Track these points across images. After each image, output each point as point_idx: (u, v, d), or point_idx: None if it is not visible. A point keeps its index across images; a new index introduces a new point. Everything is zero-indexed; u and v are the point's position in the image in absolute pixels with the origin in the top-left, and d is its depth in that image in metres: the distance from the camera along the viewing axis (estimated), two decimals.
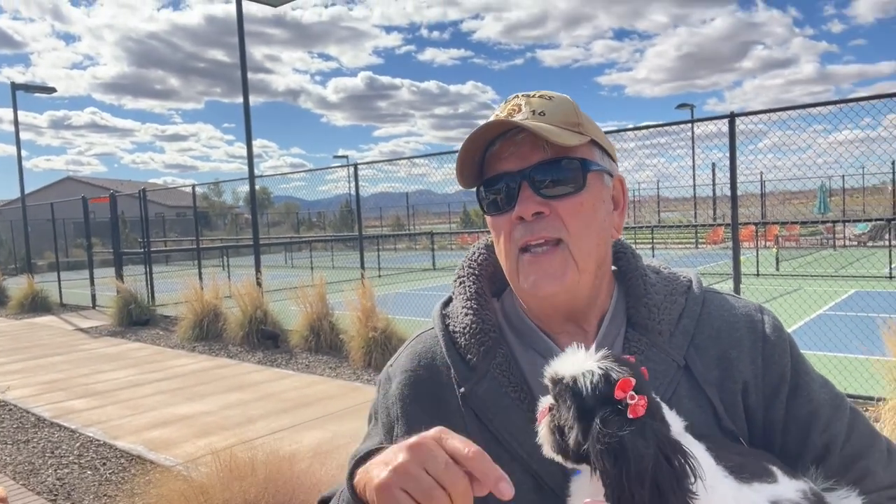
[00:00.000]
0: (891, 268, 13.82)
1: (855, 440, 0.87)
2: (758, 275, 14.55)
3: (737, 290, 5.79)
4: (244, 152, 10.66)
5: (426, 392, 0.94)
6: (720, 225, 15.97)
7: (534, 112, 0.87)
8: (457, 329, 0.95)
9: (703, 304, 0.93)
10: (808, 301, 10.16)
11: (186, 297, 10.35)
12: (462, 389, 0.90)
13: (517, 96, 0.91)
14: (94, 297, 14.81)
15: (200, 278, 11.69)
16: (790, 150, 6.47)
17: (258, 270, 10.05)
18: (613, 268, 0.98)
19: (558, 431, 0.71)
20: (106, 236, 21.18)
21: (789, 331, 0.96)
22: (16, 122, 17.90)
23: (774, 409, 0.88)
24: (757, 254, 15.70)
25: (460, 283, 1.00)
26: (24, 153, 18.47)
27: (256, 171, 10.75)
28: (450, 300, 1.02)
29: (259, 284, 9.70)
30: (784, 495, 0.76)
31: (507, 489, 0.65)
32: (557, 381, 0.72)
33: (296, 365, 7.98)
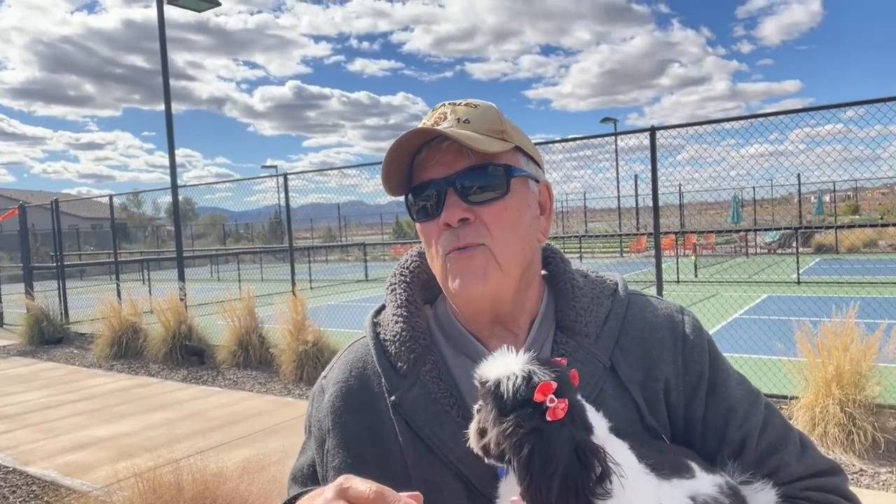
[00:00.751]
0: (798, 274, 14.74)
1: (770, 434, 0.91)
2: (678, 281, 15.20)
3: (659, 295, 6.02)
4: (165, 161, 10.30)
5: (358, 402, 0.93)
6: (643, 234, 16.61)
7: (458, 120, 0.89)
8: (387, 337, 0.96)
9: (627, 307, 0.96)
10: (725, 306, 10.69)
11: (103, 314, 9.85)
12: (392, 398, 0.90)
13: (443, 105, 0.93)
14: (0, 314, 13.85)
15: (119, 293, 11.15)
16: (706, 163, 6.81)
17: (182, 284, 9.67)
18: (543, 272, 1.00)
19: (481, 432, 0.73)
20: (14, 250, 19.89)
21: (710, 333, 1.01)
22: None
23: (694, 406, 0.91)
24: (677, 261, 16.40)
25: (391, 291, 1.00)
26: None
27: (179, 181, 10.37)
28: (382, 308, 1.02)
29: (183, 299, 9.34)
30: (701, 490, 0.79)
31: None
32: (483, 384, 0.74)
33: (223, 381, 7.71)
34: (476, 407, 0.76)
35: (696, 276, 16.26)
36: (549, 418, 0.68)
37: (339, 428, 0.92)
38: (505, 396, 0.70)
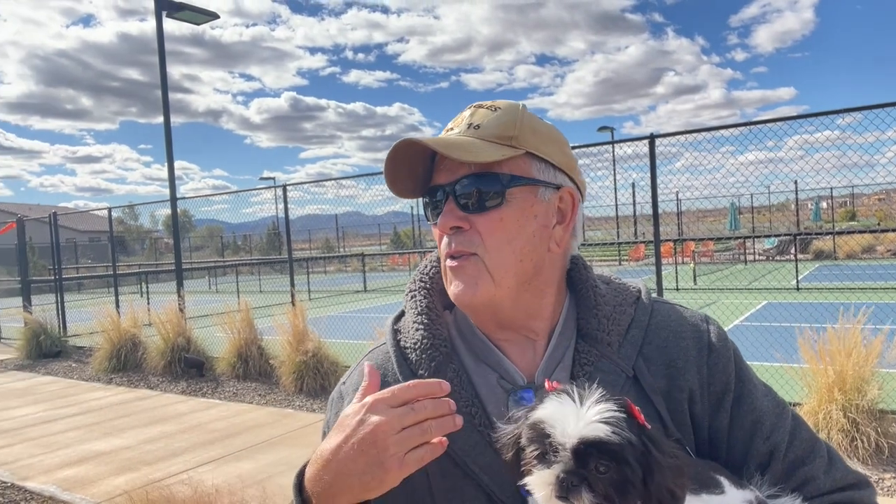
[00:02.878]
0: (797, 280, 14.74)
1: (797, 447, 0.89)
2: (677, 289, 15.18)
3: None
4: (162, 174, 10.32)
5: None
6: (642, 242, 16.63)
7: (470, 125, 0.89)
8: (408, 344, 0.95)
9: (651, 315, 0.95)
10: (725, 313, 10.68)
11: (102, 327, 9.80)
12: None
13: (471, 106, 0.94)
14: None
15: (117, 306, 11.11)
16: (703, 171, 6.84)
17: (180, 296, 9.64)
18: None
19: (610, 496, 0.68)
20: (12, 264, 19.83)
21: None
22: None
23: (719, 418, 0.90)
24: (676, 269, 16.40)
25: (412, 298, 0.99)
26: None
27: (178, 194, 10.37)
28: (402, 314, 1.01)
29: (181, 311, 9.31)
30: None
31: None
32: (585, 444, 0.68)
33: (223, 393, 7.67)
34: (558, 476, 0.69)
35: (695, 283, 16.25)
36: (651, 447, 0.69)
37: None
38: (628, 441, 0.68)
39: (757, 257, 23.19)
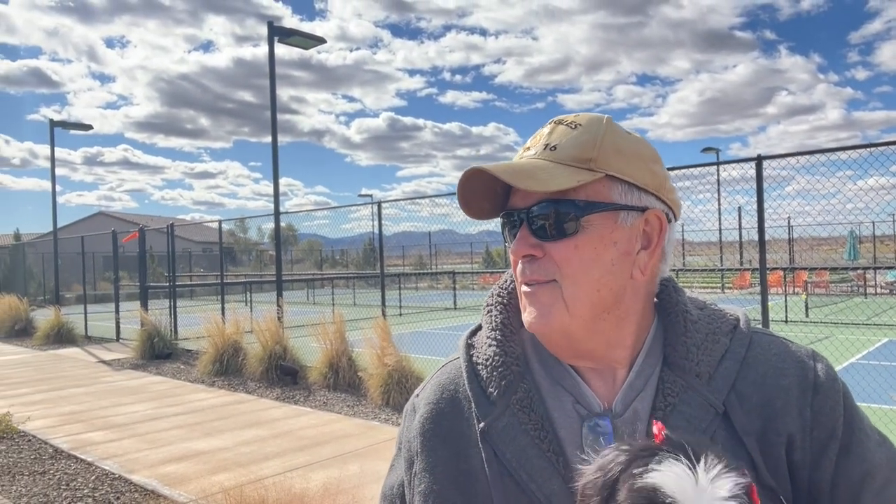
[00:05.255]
0: None
1: None
2: (786, 321, 14.22)
3: None
4: (270, 190, 10.86)
5: (447, 426, 0.90)
6: (747, 269, 15.73)
7: (546, 146, 0.85)
8: (480, 360, 0.92)
9: (749, 347, 0.86)
10: (840, 349, 9.86)
11: (208, 332, 10.40)
12: (481, 425, 0.86)
13: (551, 122, 0.89)
14: (118, 329, 14.97)
15: (223, 313, 11.76)
16: (818, 196, 6.37)
17: (279, 306, 10.08)
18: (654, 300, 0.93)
19: None
20: (133, 270, 21.55)
21: None
22: (52, 159, 18.49)
23: (822, 468, 0.80)
24: (786, 300, 15.36)
25: (488, 313, 0.96)
26: (58, 188, 19.04)
27: (282, 209, 10.90)
28: (479, 328, 0.98)
29: (280, 320, 9.72)
30: None
31: None
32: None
33: (314, 402, 7.91)
34: None
35: (806, 316, 15.15)
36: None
37: (427, 452, 0.90)
38: None
39: (878, 290, 21.33)
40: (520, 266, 0.86)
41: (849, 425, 0.82)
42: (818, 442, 0.80)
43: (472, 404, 0.89)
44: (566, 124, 0.87)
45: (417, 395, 0.98)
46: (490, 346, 0.91)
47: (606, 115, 0.89)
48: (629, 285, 0.85)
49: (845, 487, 0.79)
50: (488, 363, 0.90)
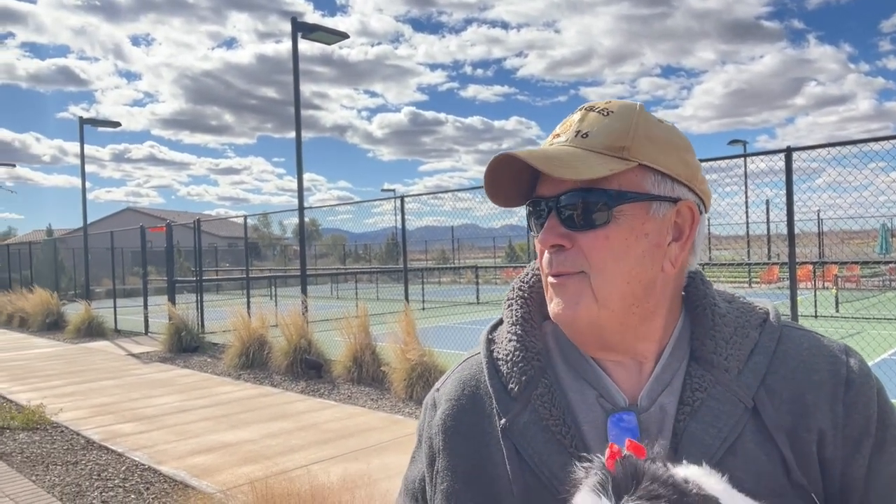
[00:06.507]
0: None
1: None
2: (816, 316, 13.95)
3: None
4: (294, 185, 10.95)
5: (468, 423, 0.90)
6: (775, 264, 15.47)
7: (578, 133, 0.83)
8: (500, 356, 0.91)
9: (779, 341, 0.84)
10: (871, 344, 9.65)
11: (234, 326, 10.53)
12: (503, 421, 0.85)
13: (582, 108, 0.86)
14: (147, 323, 15.24)
15: (248, 307, 11.90)
16: (849, 188, 6.22)
17: (304, 300, 10.17)
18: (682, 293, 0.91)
19: None
20: (161, 265, 21.90)
21: None
22: (82, 156, 18.84)
23: (855, 465, 0.78)
24: (815, 294, 15.06)
25: (508, 307, 0.95)
26: (87, 185, 19.39)
27: (305, 204, 10.97)
28: (500, 323, 0.97)
29: (305, 314, 9.81)
30: None
31: None
32: None
33: (338, 395, 7.98)
34: None
35: (836, 310, 14.85)
36: None
37: (448, 450, 0.89)
38: None
39: None
40: (546, 256, 0.84)
41: (882, 422, 0.79)
42: (850, 439, 0.78)
43: (493, 400, 0.88)
44: (598, 111, 0.84)
45: (437, 389, 0.98)
46: (510, 340, 0.90)
47: (639, 103, 0.87)
48: (659, 278, 0.84)
49: (878, 485, 0.77)
50: (508, 358, 0.89)
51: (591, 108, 0.85)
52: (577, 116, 0.85)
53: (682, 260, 0.85)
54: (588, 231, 0.81)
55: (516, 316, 0.93)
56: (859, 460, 0.78)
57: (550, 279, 0.84)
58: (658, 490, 0.58)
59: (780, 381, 0.81)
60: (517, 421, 0.84)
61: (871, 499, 0.77)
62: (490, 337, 0.95)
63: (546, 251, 0.84)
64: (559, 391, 0.86)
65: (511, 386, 0.87)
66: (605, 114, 0.83)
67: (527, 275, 0.97)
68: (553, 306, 0.84)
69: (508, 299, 0.96)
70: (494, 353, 0.92)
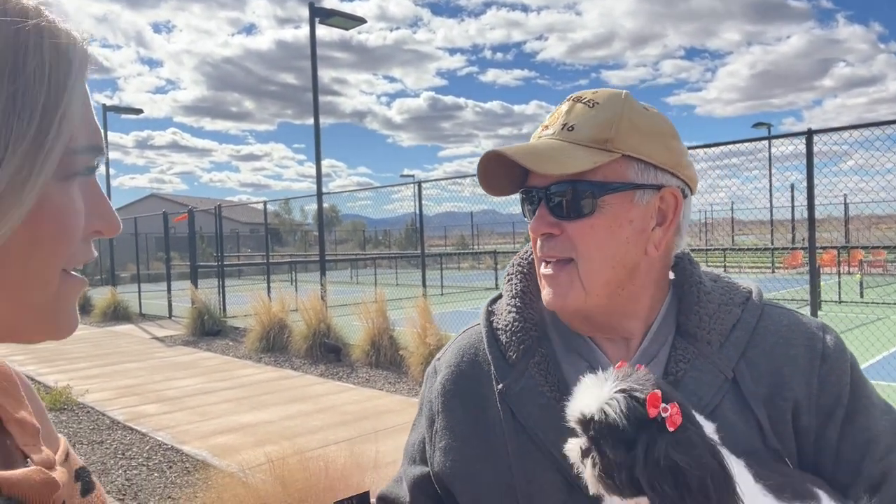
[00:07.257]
0: None
1: None
2: (839, 302, 13.75)
3: (814, 315, 5.48)
4: (314, 171, 10.99)
5: (467, 387, 0.96)
6: (798, 249, 15.23)
7: (564, 126, 0.86)
8: (500, 326, 0.97)
9: (760, 318, 0.89)
10: (894, 329, 9.50)
11: (255, 310, 10.68)
12: (500, 386, 0.91)
13: (569, 99, 0.89)
14: (170, 307, 15.50)
15: (269, 292, 12.05)
16: (876, 172, 6.11)
17: (323, 285, 10.27)
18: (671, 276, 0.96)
19: (606, 474, 0.68)
20: (184, 250, 22.22)
21: (874, 361, 0.90)
22: (105, 143, 19.00)
23: (827, 433, 0.83)
24: (839, 279, 14.82)
25: (508, 281, 1.01)
26: (111, 171, 19.71)
27: (325, 190, 11.04)
28: (499, 297, 1.03)
29: (323, 299, 9.91)
30: None
31: None
32: (585, 421, 0.70)
33: (356, 378, 8.07)
34: (580, 446, 0.71)
35: (861, 296, 14.62)
36: (670, 428, 0.65)
37: (447, 411, 0.96)
38: (620, 425, 0.66)
39: None
40: (538, 242, 0.90)
41: (854, 393, 0.84)
42: (824, 408, 0.83)
43: (492, 367, 0.94)
44: (584, 102, 0.88)
45: (439, 358, 1.04)
46: (510, 312, 0.96)
47: (625, 91, 0.89)
48: (643, 261, 0.88)
49: (848, 452, 0.82)
50: (508, 328, 0.95)
51: (579, 99, 0.88)
52: (564, 108, 0.89)
53: (665, 243, 0.89)
54: (575, 220, 0.85)
55: (516, 290, 0.98)
56: (832, 428, 0.83)
57: (543, 270, 0.90)
58: (648, 376, 0.70)
59: (759, 354, 0.86)
60: (514, 386, 0.90)
61: (840, 463, 0.82)
62: (490, 309, 1.01)
63: (538, 238, 0.90)
64: (553, 361, 0.91)
65: (510, 354, 0.93)
66: (591, 105, 0.87)
67: (527, 252, 1.02)
68: (545, 294, 0.90)
69: (509, 274, 1.02)
70: (494, 324, 0.98)
